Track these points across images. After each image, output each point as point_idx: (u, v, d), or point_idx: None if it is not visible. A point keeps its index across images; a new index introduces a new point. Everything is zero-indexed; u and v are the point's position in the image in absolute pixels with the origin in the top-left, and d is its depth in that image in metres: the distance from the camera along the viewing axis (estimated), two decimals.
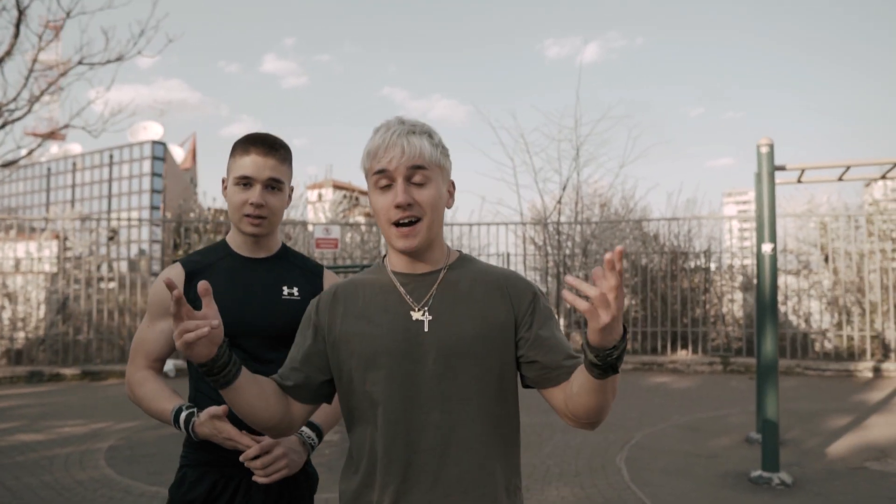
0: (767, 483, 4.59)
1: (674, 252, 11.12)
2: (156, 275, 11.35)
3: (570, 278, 1.11)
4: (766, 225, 4.87)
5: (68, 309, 10.25)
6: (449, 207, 1.43)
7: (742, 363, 10.09)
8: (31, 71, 10.27)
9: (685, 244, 11.26)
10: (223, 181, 1.78)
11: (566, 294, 1.13)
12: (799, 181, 5.48)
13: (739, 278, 11.09)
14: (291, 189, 1.80)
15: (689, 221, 11.26)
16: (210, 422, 1.58)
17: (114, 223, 12.39)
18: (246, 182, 1.69)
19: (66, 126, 11.06)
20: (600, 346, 1.15)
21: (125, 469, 4.97)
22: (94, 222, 11.47)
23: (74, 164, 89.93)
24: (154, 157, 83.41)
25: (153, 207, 79.85)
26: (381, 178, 1.35)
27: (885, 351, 10.08)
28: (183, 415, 1.63)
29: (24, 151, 12.07)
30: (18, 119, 10.56)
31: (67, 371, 9.53)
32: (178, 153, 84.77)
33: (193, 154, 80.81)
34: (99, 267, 10.77)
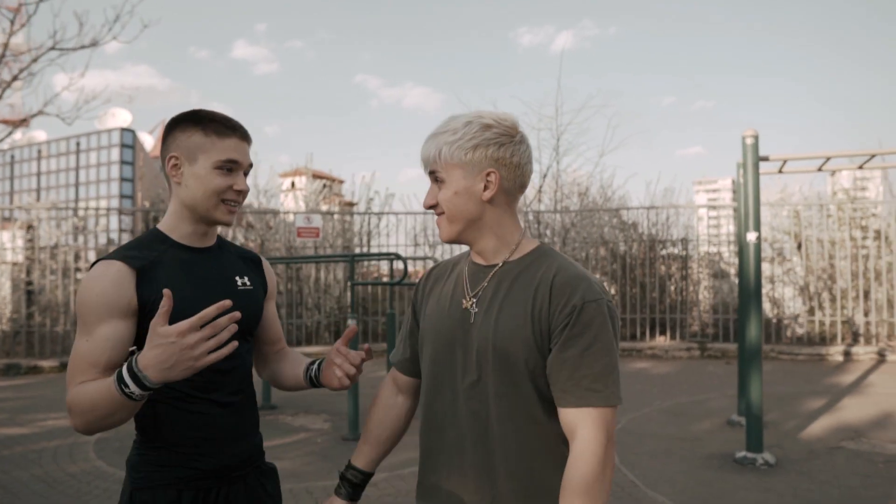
0: (752, 463, 4.74)
1: (652, 240, 11.30)
2: None
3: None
4: (752, 214, 4.99)
5: (43, 300, 10.09)
6: (486, 199, 1.39)
7: (719, 348, 10.33)
8: (2, 56, 10.02)
9: (663, 232, 11.44)
10: (172, 158, 1.53)
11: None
12: (780, 171, 5.62)
13: (714, 266, 11.34)
14: None
15: (667, 210, 11.43)
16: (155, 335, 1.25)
17: (84, 212, 12.18)
18: (230, 167, 1.53)
19: (40, 113, 10.83)
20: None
21: (117, 461, 4.95)
22: (65, 212, 11.26)
23: (40, 152, 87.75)
24: (123, 145, 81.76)
25: (122, 196, 78.32)
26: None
27: (854, 336, 10.40)
28: (124, 367, 1.29)
29: None
30: None
31: (45, 363, 9.39)
32: (148, 141, 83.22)
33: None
34: (76, 257, 10.59)
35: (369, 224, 11.45)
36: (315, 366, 1.63)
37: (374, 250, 11.26)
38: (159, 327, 1.24)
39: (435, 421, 1.45)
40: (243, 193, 1.56)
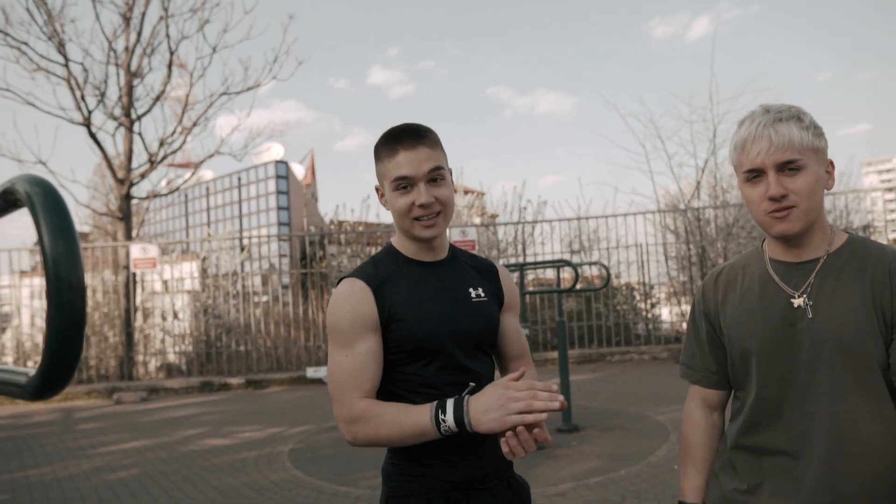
0: None
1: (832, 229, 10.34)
2: (286, 287, 11.98)
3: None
4: None
5: (225, 323, 11.07)
6: (829, 189, 1.36)
7: None
8: (185, 106, 11.19)
9: (842, 220, 10.44)
10: (377, 189, 1.61)
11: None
12: None
13: None
14: (450, 171, 1.60)
15: (845, 195, 10.42)
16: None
17: (248, 241, 13.23)
18: (405, 184, 1.51)
19: (216, 153, 11.97)
20: None
21: (311, 470, 5.26)
22: (235, 241, 12.29)
23: (208, 189, 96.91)
24: (278, 176, 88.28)
25: (280, 224, 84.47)
26: (750, 174, 1.34)
27: None
28: (451, 403, 1.39)
29: (177, 182, 13.18)
30: (174, 152, 11.54)
31: (233, 381, 10.26)
32: (299, 170, 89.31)
33: (312, 170, 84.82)
34: (244, 283, 11.53)
35: (523, 233, 11.45)
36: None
37: (528, 259, 11.24)
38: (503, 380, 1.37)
39: (768, 424, 1.37)
40: (430, 205, 1.50)
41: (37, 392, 0.81)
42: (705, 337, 1.49)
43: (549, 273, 11.81)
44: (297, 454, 5.81)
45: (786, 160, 1.29)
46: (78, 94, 10.93)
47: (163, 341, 11.17)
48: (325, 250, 12.06)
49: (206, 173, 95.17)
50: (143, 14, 11.15)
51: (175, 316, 11.26)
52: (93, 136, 11.17)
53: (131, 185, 11.33)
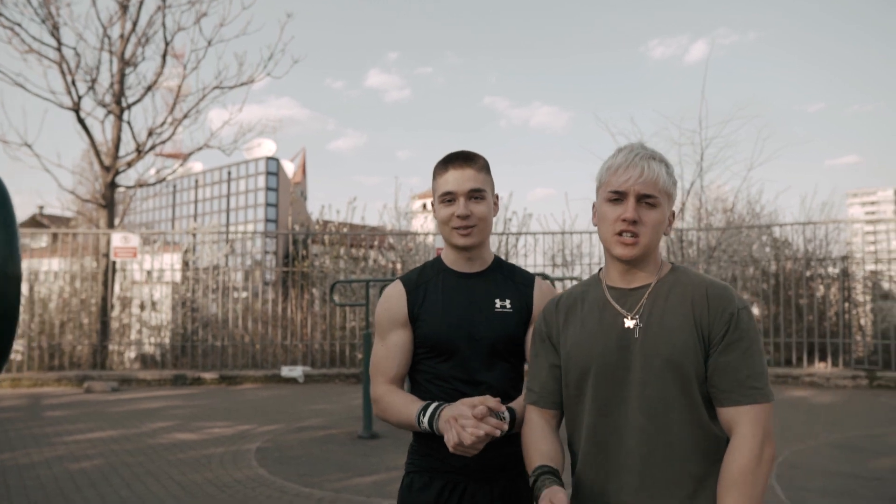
0: None
1: (808, 258, 10.46)
2: (268, 284, 11.96)
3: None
4: None
5: (203, 317, 10.99)
6: (666, 234, 1.55)
7: (892, 378, 9.31)
8: (177, 97, 11.14)
9: (821, 250, 10.57)
10: (432, 205, 1.88)
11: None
12: None
13: (878, 286, 10.28)
14: (497, 197, 1.88)
15: (825, 226, 10.55)
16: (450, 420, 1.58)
17: (234, 236, 13.17)
18: (450, 198, 1.77)
19: (205, 146, 11.92)
20: None
21: (277, 469, 5.24)
22: (220, 235, 12.23)
23: (197, 181, 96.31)
24: (268, 173, 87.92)
25: (267, 220, 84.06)
26: (613, 194, 1.49)
27: None
28: (432, 405, 1.67)
29: (165, 172, 13.10)
30: (164, 142, 11.49)
31: (207, 375, 10.19)
32: (290, 168, 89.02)
33: (303, 168, 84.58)
34: (225, 278, 11.47)
35: (507, 244, 11.48)
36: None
37: None
38: (468, 399, 1.58)
39: (605, 441, 1.48)
40: (467, 217, 1.74)
41: None
42: (546, 360, 1.60)
43: None
44: (264, 453, 5.79)
45: (647, 193, 1.44)
46: (69, 78, 10.87)
47: (139, 332, 11.08)
48: (308, 250, 12.02)
49: (196, 165, 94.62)
50: (141, 3, 11.13)
51: (153, 307, 11.18)
52: (81, 121, 11.10)
53: (117, 172, 11.25)
